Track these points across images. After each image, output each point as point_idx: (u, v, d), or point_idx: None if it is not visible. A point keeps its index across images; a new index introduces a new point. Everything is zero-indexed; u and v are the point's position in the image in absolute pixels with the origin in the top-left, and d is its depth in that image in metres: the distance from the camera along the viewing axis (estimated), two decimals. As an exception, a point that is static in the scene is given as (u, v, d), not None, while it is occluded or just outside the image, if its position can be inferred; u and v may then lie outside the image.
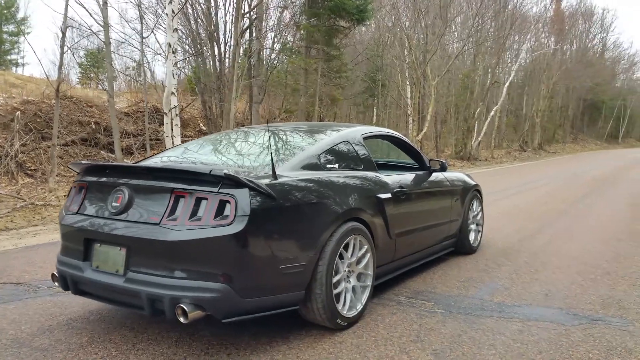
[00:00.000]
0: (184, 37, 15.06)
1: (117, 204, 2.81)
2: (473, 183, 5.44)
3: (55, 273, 3.07)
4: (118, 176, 2.95)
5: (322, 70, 14.81)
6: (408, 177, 4.23)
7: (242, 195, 2.57)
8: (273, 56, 18.24)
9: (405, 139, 4.65)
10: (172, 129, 10.31)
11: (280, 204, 2.74)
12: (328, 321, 3.05)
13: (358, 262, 3.32)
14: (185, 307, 2.46)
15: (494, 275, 4.52)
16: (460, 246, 5.22)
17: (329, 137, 3.60)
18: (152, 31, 12.69)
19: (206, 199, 2.61)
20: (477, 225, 5.52)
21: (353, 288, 3.30)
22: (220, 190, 2.59)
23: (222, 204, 2.58)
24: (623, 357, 2.84)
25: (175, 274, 2.57)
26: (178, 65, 11.68)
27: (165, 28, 11.14)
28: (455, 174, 5.22)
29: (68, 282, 2.97)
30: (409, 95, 22.64)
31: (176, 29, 10.71)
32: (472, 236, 5.35)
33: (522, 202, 9.49)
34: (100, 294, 2.89)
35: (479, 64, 26.66)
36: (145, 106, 12.35)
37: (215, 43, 14.73)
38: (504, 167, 21.27)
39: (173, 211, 2.65)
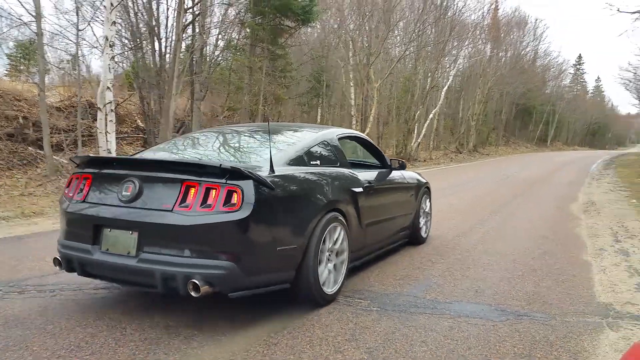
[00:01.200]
0: (122, 30, 14.49)
1: (128, 193, 3.11)
2: (424, 181, 6.10)
3: (57, 257, 3.34)
4: (128, 168, 3.28)
5: (266, 69, 14.71)
6: (374, 174, 4.74)
7: (248, 186, 2.96)
8: (217, 53, 17.95)
9: (370, 140, 5.22)
10: (107, 125, 9.90)
11: (278, 193, 3.16)
12: (313, 297, 3.51)
13: (337, 247, 3.76)
14: (197, 282, 2.80)
15: (428, 272, 4.66)
16: (413, 237, 5.76)
17: (310, 137, 4.07)
18: (89, 24, 12.04)
19: (215, 188, 2.96)
20: (426, 219, 6.11)
21: (334, 268, 3.74)
22: (228, 182, 2.94)
23: (230, 194, 2.94)
24: (545, 351, 2.99)
25: (187, 254, 2.91)
26: (115, 60, 11.23)
27: (102, 21, 10.67)
28: (409, 173, 5.75)
29: (74, 264, 3.25)
30: (352, 96, 22.93)
31: (114, 22, 10.30)
32: (423, 229, 5.95)
33: (457, 201, 9.85)
34: (109, 275, 3.23)
35: (419, 68, 27.40)
36: (78, 101, 11.78)
37: (155, 38, 14.26)
38: (442, 168, 21.99)
39: (184, 199, 2.99)
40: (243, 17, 15.57)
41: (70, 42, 13.77)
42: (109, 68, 9.96)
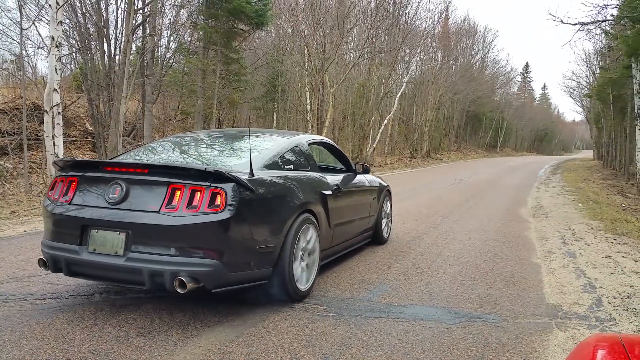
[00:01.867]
0: (70, 30, 13.92)
1: (115, 195, 3.22)
2: (385, 184, 6.41)
3: (42, 258, 3.40)
4: (114, 171, 3.35)
5: (220, 73, 14.47)
6: (341, 177, 4.96)
7: (230, 188, 3.13)
8: (169, 55, 17.54)
9: (336, 145, 5.46)
10: (54, 128, 9.48)
11: (257, 196, 3.36)
12: (288, 293, 3.67)
13: (309, 246, 3.99)
14: (184, 279, 2.96)
15: (384, 276, 4.67)
16: (375, 238, 6.04)
17: (283, 143, 4.25)
18: (33, 23, 11.48)
19: (200, 191, 3.11)
20: (387, 219, 6.41)
21: (306, 266, 3.94)
22: (212, 184, 3.11)
23: (214, 195, 3.10)
24: (497, 352, 3.04)
25: (173, 253, 3.06)
26: (62, 61, 10.75)
27: (48, 20, 10.21)
28: (371, 177, 6.00)
29: (61, 264, 3.31)
30: (308, 101, 22.96)
31: (61, 22, 9.89)
32: (385, 229, 6.26)
33: (411, 206, 9.99)
34: (96, 274, 3.38)
35: (373, 74, 27.78)
36: (23, 103, 11.21)
37: (105, 39, 13.79)
38: (397, 173, 22.33)
39: (170, 201, 3.13)
40: (195, 19, 15.30)
41: (14, 41, 13.12)
42: (56, 69, 9.54)
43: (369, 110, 27.12)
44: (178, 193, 3.14)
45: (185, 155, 4.06)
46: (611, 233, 7.55)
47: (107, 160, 4.12)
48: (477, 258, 5.58)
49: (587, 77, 38.78)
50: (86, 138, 13.68)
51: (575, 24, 17.28)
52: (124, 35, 12.31)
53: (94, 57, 13.85)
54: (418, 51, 32.44)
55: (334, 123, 24.53)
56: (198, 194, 3.12)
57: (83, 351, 2.81)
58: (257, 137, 4.41)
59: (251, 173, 3.38)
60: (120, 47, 13.49)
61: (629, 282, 4.76)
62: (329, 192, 4.37)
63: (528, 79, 76.46)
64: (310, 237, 3.97)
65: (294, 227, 3.69)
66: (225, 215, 3.08)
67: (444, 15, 37.66)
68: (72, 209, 3.35)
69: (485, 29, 48.16)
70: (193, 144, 4.38)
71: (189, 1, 15.56)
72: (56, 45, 9.50)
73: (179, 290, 2.97)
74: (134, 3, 12.08)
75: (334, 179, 4.71)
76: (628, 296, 4.29)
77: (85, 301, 3.69)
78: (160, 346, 2.91)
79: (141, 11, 13.58)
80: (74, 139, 13.42)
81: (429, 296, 4.10)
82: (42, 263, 3.41)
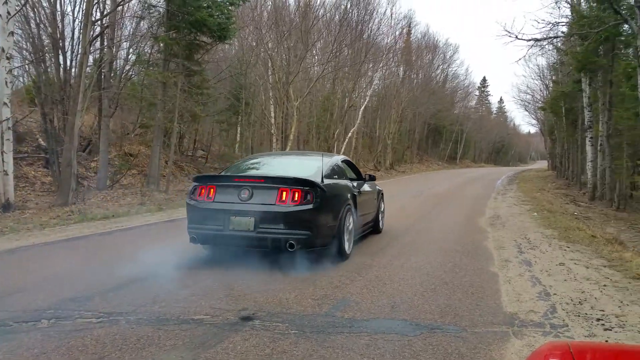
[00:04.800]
0: (22, 41, 13.47)
1: (245, 196, 5.34)
2: (380, 189, 8.53)
3: (193, 236, 5.54)
4: (241, 182, 5.53)
5: (182, 85, 14.26)
6: (356, 183, 6.95)
7: (316, 190, 5.30)
8: (128, 67, 17.20)
9: (352, 161, 7.78)
10: (3, 144, 9.11)
11: (327, 194, 5.46)
12: (340, 254, 5.81)
13: (350, 227, 6.08)
14: (293, 242, 5.12)
15: (347, 290, 4.66)
16: (374, 228, 7.94)
17: (329, 161, 6.38)
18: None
19: (298, 191, 5.25)
20: (382, 215, 8.30)
21: (348, 239, 6.00)
22: (305, 188, 5.26)
23: (306, 194, 5.24)
24: (456, 362, 3.07)
25: (283, 228, 5.19)
26: (13, 73, 10.39)
27: (-3, 30, 9.85)
28: (372, 183, 7.96)
29: (210, 239, 5.57)
30: (272, 114, 22.94)
31: (12, 33, 9.58)
32: (381, 222, 8.21)
33: (375, 218, 10.04)
34: (235, 243, 5.41)
35: (337, 88, 28.08)
36: (-31, 116, 10.71)
37: (60, 50, 13.40)
38: (361, 185, 22.38)
39: (280, 198, 5.26)
40: (156, 31, 15.09)
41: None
42: (6, 82, 9.21)
43: (334, 123, 27.35)
44: (284, 193, 5.29)
45: (276, 169, 6.37)
46: (564, 241, 7.81)
47: (237, 174, 6.12)
48: (438, 269, 5.65)
49: (541, 90, 40.44)
50: (39, 154, 13.19)
51: (529, 40, 18.00)
52: (80, 47, 12.00)
53: (49, 70, 13.43)
54: (381, 65, 33.04)
55: (298, 136, 24.60)
56: (296, 194, 5.27)
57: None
58: (314, 157, 6.98)
59: (322, 181, 5.53)
60: (76, 60, 13.15)
61: (581, 288, 4.92)
62: (356, 192, 6.57)
63: (485, 93, 78.77)
64: (350, 221, 6.07)
65: (343, 214, 5.83)
66: (313, 206, 5.25)
67: (405, 30, 38.54)
68: (217, 205, 5.43)
69: (445, 44, 49.39)
70: (275, 161, 7.11)
71: (149, 13, 15.34)
72: (7, 57, 9.18)
73: (289, 249, 5.16)
74: (92, 14, 11.82)
75: (355, 184, 6.80)
76: (580, 302, 4.42)
77: (32, 328, 3.50)
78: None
79: (99, 22, 13.29)
80: (26, 155, 12.92)
81: (391, 309, 4.11)
82: (193, 239, 5.55)
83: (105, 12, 13.73)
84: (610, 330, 3.73)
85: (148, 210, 10.61)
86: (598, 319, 3.96)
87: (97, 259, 5.88)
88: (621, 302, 4.45)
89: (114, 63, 15.67)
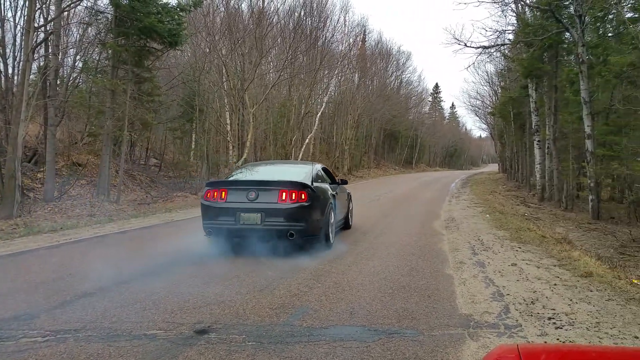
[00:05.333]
0: (-42, 47, 12.72)
1: (252, 196, 6.55)
2: (349, 191, 9.84)
3: (209, 230, 6.70)
4: (248, 185, 6.81)
5: (131, 92, 13.83)
6: (334, 186, 8.20)
7: (308, 191, 6.53)
8: (75, 75, 16.56)
9: (328, 168, 8.98)
10: (-62, 155, 8.54)
11: (316, 194, 6.68)
12: (326, 242, 7.03)
13: (332, 221, 7.42)
14: (293, 232, 6.37)
15: (305, 298, 4.60)
16: (345, 224, 9.16)
17: (314, 168, 7.68)
18: None
19: (295, 192, 6.46)
20: (351, 214, 9.64)
21: (332, 231, 7.36)
22: (300, 190, 6.49)
23: (301, 194, 6.45)
24: (414, 367, 3.07)
25: (284, 221, 6.39)
26: (-52, 79, 9.78)
27: None
28: (343, 186, 9.12)
29: (223, 232, 6.66)
30: (228, 121, 22.65)
31: (-55, 37, 9.02)
32: (350, 220, 9.52)
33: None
34: (245, 234, 6.58)
35: (293, 94, 28.06)
36: None
37: (1, 57, 12.77)
38: (319, 191, 22.41)
39: (281, 197, 6.47)
40: (104, 37, 14.62)
41: None
42: (-60, 89, 8.66)
43: (291, 129, 27.29)
44: (284, 193, 6.52)
45: (274, 175, 7.48)
46: (516, 242, 8.05)
47: (244, 179, 7.28)
48: (395, 272, 5.69)
49: (490, 96, 41.79)
50: (-20, 165, 12.48)
51: (478, 48, 18.61)
52: (23, 54, 11.46)
53: (-11, 77, 12.75)
54: (336, 72, 33.26)
55: (255, 143, 24.38)
56: (294, 194, 6.50)
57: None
58: (302, 165, 8.65)
59: (312, 183, 6.86)
60: (19, 67, 12.55)
61: (533, 287, 5.06)
62: (334, 193, 7.87)
63: (438, 99, 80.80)
64: (332, 216, 7.44)
65: (328, 210, 7.12)
66: (307, 203, 6.51)
67: (359, 38, 39.01)
68: (229, 204, 6.61)
69: (399, 51, 50.23)
70: (270, 169, 8.68)
71: (96, 19, 14.85)
72: (-58, 63, 8.65)
73: (289, 237, 6.39)
74: (34, 20, 11.33)
75: (332, 187, 8.02)
76: (532, 302, 4.55)
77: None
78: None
79: (43, 28, 12.75)
80: (-35, 165, 12.19)
81: (350, 315, 4.09)
82: (209, 233, 6.73)
83: (49, 18, 13.19)
84: (561, 328, 3.85)
85: (98, 221, 10.22)
86: (549, 318, 4.08)
87: (43, 274, 5.58)
88: (571, 300, 4.61)
89: (60, 70, 15.06)
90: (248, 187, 6.66)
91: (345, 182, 9.08)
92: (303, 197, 6.43)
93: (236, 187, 6.77)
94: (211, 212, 6.61)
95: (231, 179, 7.57)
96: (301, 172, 7.35)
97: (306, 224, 6.44)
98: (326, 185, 7.61)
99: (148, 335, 3.58)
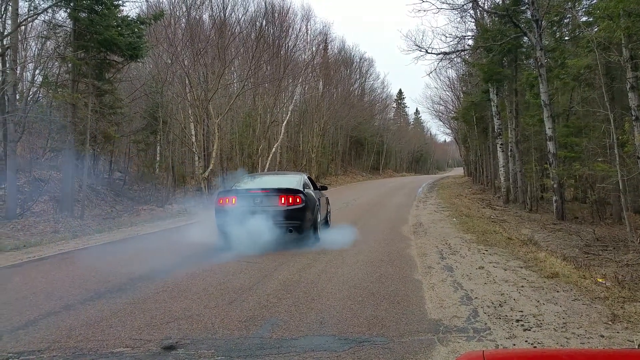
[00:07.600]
0: None
1: (258, 201, 8.11)
2: (327, 196, 11.27)
3: (224, 230, 8.10)
4: (254, 192, 8.34)
5: (93, 106, 13.52)
6: (316, 191, 9.60)
7: (302, 195, 8.23)
8: (34, 89, 16.08)
9: (311, 176, 10.59)
10: None
11: (307, 198, 8.30)
12: (316, 237, 8.59)
13: (320, 220, 9.11)
14: (291, 228, 8.09)
15: (275, 310, 4.58)
16: (326, 222, 10.54)
17: (302, 177, 9.26)
18: None
19: (292, 196, 8.15)
20: (329, 215, 11.16)
21: (320, 228, 9.03)
22: (295, 195, 8.19)
23: (296, 198, 8.14)
24: (385, 374, 3.08)
25: (285, 220, 7.94)
26: None
27: None
28: (324, 192, 10.67)
29: (234, 230, 7.90)
30: (193, 132, 22.38)
31: None
32: (329, 220, 11.06)
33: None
34: (251, 230, 7.85)
35: (258, 104, 27.98)
36: None
37: (-48, 71, 12.29)
38: (287, 200, 22.32)
39: (281, 201, 8.11)
40: (63, 51, 14.26)
41: None
42: None
43: (257, 139, 27.17)
44: (283, 198, 8.05)
45: (272, 184, 8.78)
46: (483, 245, 8.22)
47: (251, 188, 8.71)
48: (365, 279, 5.72)
49: (453, 101, 42.61)
50: None
51: (439, 54, 18.98)
52: (-24, 68, 11.06)
53: (-60, 93, 12.23)
54: (300, 80, 33.37)
55: (221, 153, 24.15)
56: (291, 198, 8.05)
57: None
58: (292, 175, 9.78)
59: (303, 189, 8.38)
60: (-28, 82, 12.10)
61: (500, 290, 5.18)
62: (319, 197, 9.40)
63: (402, 105, 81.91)
64: (319, 215, 8.92)
65: (316, 211, 8.64)
66: (301, 206, 8.02)
67: (322, 46, 39.25)
68: (239, 208, 7.95)
69: (361, 59, 50.73)
70: (268, 179, 9.75)
71: (55, 33, 14.48)
72: None
73: (289, 232, 7.98)
74: (-12, 33, 10.95)
75: (316, 192, 9.42)
76: (500, 304, 4.65)
77: None
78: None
79: (-2, 43, 12.36)
80: None
81: (320, 325, 4.09)
82: (221, 230, 8.06)
83: (5, 33, 12.79)
84: (530, 330, 3.94)
85: (62, 238, 9.91)
86: (517, 320, 4.17)
87: (5, 294, 5.36)
88: (538, 301, 4.73)
89: (19, 85, 14.61)
90: (254, 194, 8.20)
91: (325, 188, 10.78)
92: (298, 200, 8.05)
93: (244, 194, 8.22)
94: (224, 214, 8.06)
95: (239, 188, 8.78)
96: (294, 180, 8.93)
97: (301, 221, 8.05)
98: (313, 191, 9.18)
99: (115, 353, 3.49)
